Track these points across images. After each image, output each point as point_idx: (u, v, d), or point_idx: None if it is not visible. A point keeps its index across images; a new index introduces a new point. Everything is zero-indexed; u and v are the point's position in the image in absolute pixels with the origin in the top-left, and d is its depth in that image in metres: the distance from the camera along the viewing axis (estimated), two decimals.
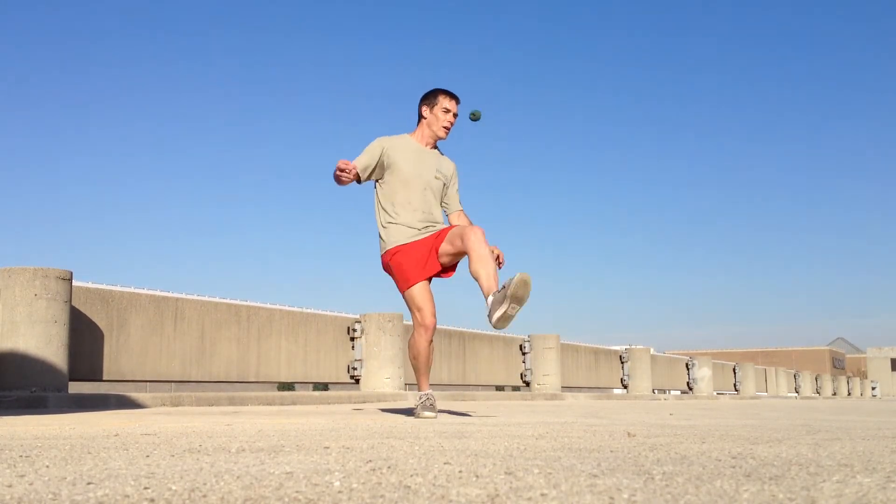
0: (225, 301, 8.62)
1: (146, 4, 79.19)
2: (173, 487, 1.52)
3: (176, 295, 8.07)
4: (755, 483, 1.63)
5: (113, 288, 7.51)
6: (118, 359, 7.40)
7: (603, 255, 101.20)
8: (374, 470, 1.80)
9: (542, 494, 1.46)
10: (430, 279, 4.75)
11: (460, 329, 12.52)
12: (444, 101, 4.84)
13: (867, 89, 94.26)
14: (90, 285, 7.29)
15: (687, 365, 20.48)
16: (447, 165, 4.96)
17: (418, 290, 4.67)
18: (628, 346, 17.75)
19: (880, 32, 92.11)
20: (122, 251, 76.89)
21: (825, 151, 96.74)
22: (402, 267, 4.69)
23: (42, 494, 1.44)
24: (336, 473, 1.73)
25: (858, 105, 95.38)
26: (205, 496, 1.43)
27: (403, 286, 4.71)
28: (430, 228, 4.76)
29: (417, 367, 4.82)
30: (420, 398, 4.78)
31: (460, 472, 1.78)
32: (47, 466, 1.88)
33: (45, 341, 6.32)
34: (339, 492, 1.48)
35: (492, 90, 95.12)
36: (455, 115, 4.86)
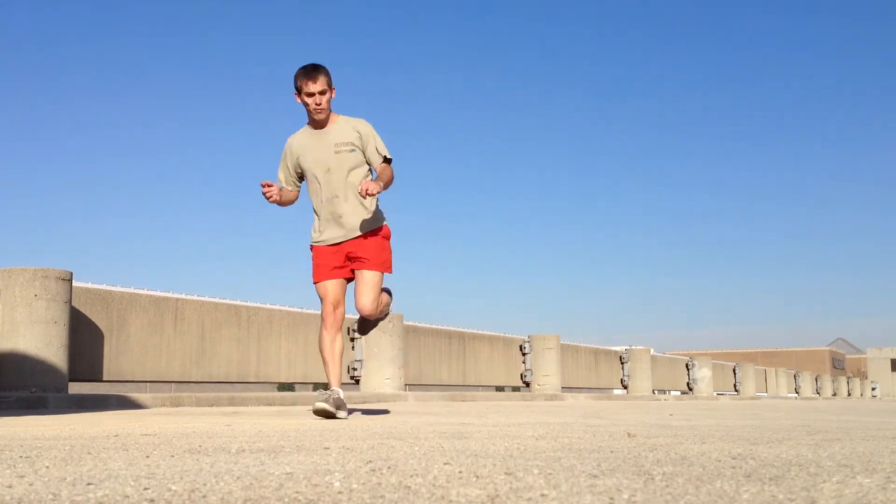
0: (225, 301, 8.62)
1: (147, 4, 79.26)
2: (173, 488, 1.52)
3: (176, 295, 8.07)
4: (755, 484, 1.63)
5: (113, 288, 7.51)
6: (118, 359, 7.40)
7: (603, 255, 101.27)
8: (374, 470, 1.80)
9: (543, 495, 1.46)
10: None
11: (460, 329, 12.52)
12: (302, 84, 4.65)
13: (867, 90, 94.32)
14: (90, 286, 7.29)
15: (687, 365, 20.48)
16: (348, 132, 4.73)
17: (321, 285, 4.81)
18: (628, 347, 17.74)
19: (881, 32, 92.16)
20: (122, 251, 76.91)
21: (825, 151, 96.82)
22: (313, 263, 4.86)
23: (42, 495, 1.44)
24: (336, 474, 1.73)
25: (858, 105, 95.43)
26: (205, 497, 1.43)
27: (313, 279, 4.87)
28: (338, 230, 4.76)
29: (324, 360, 4.85)
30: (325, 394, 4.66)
31: (460, 472, 1.78)
32: (47, 467, 1.88)
33: (45, 342, 6.32)
34: (339, 492, 1.48)
35: (493, 89, 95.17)
36: (321, 93, 4.64)
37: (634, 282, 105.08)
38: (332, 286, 4.78)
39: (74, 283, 6.86)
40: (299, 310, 9.57)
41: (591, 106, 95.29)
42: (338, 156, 4.71)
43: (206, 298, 8.42)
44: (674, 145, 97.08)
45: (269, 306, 9.15)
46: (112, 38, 75.41)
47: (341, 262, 4.79)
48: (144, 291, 7.77)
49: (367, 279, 4.75)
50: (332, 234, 4.79)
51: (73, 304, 6.89)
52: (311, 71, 4.65)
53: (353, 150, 4.72)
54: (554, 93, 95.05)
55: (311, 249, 4.88)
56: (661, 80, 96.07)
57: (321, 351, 4.82)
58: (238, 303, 8.77)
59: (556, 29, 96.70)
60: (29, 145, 73.95)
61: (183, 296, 8.15)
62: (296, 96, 4.71)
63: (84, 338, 7.10)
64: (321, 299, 4.82)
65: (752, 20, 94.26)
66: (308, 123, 4.84)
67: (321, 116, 4.70)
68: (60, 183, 77.62)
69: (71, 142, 76.19)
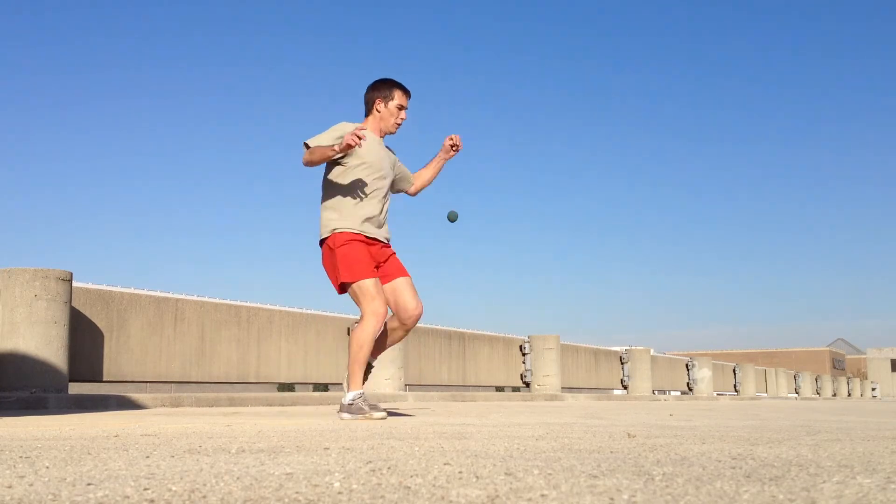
0: (225, 301, 8.62)
1: (146, 5, 79.24)
2: (173, 488, 1.52)
3: (176, 295, 8.07)
4: (755, 484, 1.63)
5: (113, 288, 7.51)
6: (118, 359, 7.40)
7: (603, 255, 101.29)
8: (374, 471, 1.80)
9: (543, 495, 1.46)
10: None
11: (460, 329, 12.52)
12: (400, 98, 4.75)
13: (867, 89, 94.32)
14: (90, 286, 7.29)
15: (687, 366, 20.48)
16: (392, 158, 4.86)
17: (374, 282, 4.49)
18: (628, 347, 17.74)
19: (882, 32, 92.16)
20: (122, 251, 76.92)
21: (825, 151, 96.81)
22: (353, 258, 4.48)
23: (42, 495, 1.44)
24: (336, 474, 1.73)
25: (858, 105, 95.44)
26: (205, 497, 1.43)
27: (352, 276, 4.45)
28: (381, 231, 4.67)
29: (360, 360, 4.51)
30: (357, 397, 4.49)
31: (460, 472, 1.78)
32: (47, 467, 1.88)
33: (45, 342, 6.32)
34: (339, 493, 1.48)
35: (494, 89, 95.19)
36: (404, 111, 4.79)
37: (634, 282, 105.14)
38: (378, 282, 4.57)
39: (74, 284, 6.85)
40: (299, 310, 9.57)
41: (590, 105, 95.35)
42: (392, 171, 4.82)
43: (206, 299, 8.42)
44: (674, 145, 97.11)
45: (269, 307, 9.16)
46: (112, 37, 75.46)
47: (375, 262, 4.62)
48: (144, 292, 7.77)
49: (411, 283, 4.70)
50: (374, 233, 4.63)
51: (74, 304, 6.89)
52: (408, 91, 4.80)
53: (393, 178, 4.86)
54: (554, 93, 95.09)
55: (347, 238, 4.52)
56: (661, 79, 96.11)
57: (365, 349, 4.52)
58: (238, 303, 8.77)
59: (555, 28, 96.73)
60: (29, 145, 73.97)
61: (183, 296, 8.15)
62: (380, 101, 4.73)
63: (84, 338, 7.10)
64: (372, 296, 4.45)
65: (754, 20, 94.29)
66: (364, 124, 4.76)
67: (396, 130, 4.81)
68: (60, 183, 77.66)
69: (71, 142, 76.23)
